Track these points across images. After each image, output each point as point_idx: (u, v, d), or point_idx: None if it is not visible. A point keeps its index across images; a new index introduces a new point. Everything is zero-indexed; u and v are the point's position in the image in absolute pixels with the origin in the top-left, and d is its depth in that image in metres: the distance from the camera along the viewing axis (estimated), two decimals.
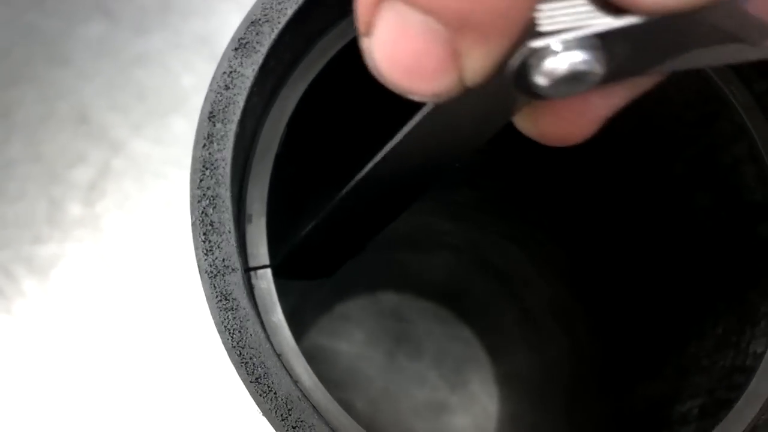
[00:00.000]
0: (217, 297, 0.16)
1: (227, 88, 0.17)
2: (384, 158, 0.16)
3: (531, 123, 0.14)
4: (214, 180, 0.17)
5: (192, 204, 0.17)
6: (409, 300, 0.40)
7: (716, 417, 0.19)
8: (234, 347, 0.16)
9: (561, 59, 0.11)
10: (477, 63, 0.11)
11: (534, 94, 0.12)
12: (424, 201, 0.32)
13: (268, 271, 0.18)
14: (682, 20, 0.11)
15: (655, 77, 0.14)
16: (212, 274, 0.17)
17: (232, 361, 0.16)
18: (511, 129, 0.27)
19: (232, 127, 0.17)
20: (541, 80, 0.12)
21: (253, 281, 0.18)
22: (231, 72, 0.17)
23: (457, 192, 0.31)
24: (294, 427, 0.16)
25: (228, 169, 0.17)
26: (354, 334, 0.40)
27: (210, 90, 0.17)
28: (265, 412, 0.15)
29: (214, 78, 0.18)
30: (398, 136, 0.15)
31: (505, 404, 0.39)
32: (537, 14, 0.11)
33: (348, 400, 0.38)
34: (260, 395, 0.15)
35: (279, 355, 0.17)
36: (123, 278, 0.39)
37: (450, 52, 0.11)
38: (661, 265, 0.25)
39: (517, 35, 0.11)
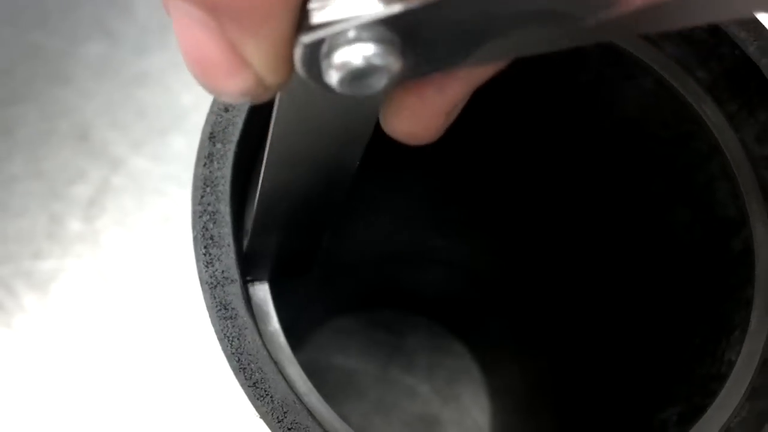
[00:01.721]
0: (217, 307, 0.17)
1: (227, 110, 0.19)
2: (266, 169, 0.16)
3: (381, 120, 0.14)
4: (214, 196, 0.18)
5: (193, 219, 0.18)
6: (402, 314, 0.41)
7: (693, 422, 0.20)
8: (233, 354, 0.17)
9: (350, 52, 0.10)
10: (256, 56, 0.11)
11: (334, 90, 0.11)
12: (415, 217, 0.34)
13: (265, 283, 0.19)
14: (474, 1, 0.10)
15: (489, 67, 0.13)
16: (212, 285, 0.18)
17: (231, 367, 0.17)
18: (498, 147, 0.28)
19: (232, 147, 0.18)
20: (333, 76, 0.11)
21: (251, 292, 0.19)
22: None
23: (446, 208, 0.32)
24: (289, 429, 0.17)
25: (228, 187, 0.18)
26: (347, 348, 0.41)
27: (210, 112, 0.19)
28: (263, 415, 0.16)
29: (214, 100, 0.19)
30: (267, 147, 0.15)
31: (496, 417, 0.40)
32: (310, 5, 0.11)
33: (342, 413, 0.39)
34: (258, 398, 0.17)
35: (275, 362, 0.18)
36: (122, 293, 0.40)
37: (228, 46, 0.11)
38: (641, 278, 0.26)
39: (287, 24, 0.11)
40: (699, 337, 0.23)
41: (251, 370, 0.17)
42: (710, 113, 0.21)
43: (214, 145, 0.18)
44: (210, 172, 0.18)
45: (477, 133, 0.27)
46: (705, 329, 0.23)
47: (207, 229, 0.18)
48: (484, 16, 0.11)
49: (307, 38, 0.11)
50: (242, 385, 0.17)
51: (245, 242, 0.19)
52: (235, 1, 0.10)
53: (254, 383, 0.17)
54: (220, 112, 0.19)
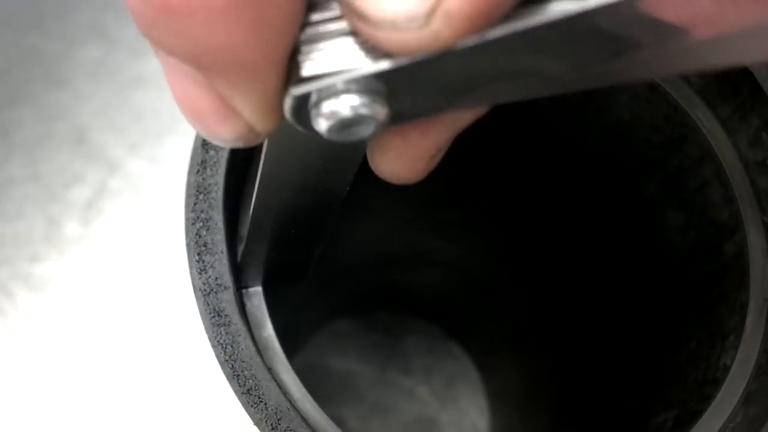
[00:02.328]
0: (210, 314, 0.18)
1: None
2: (257, 192, 0.16)
3: (368, 158, 0.14)
4: (207, 204, 0.18)
5: (186, 226, 0.18)
6: (400, 317, 0.41)
7: (688, 427, 0.20)
8: (226, 361, 0.17)
9: (337, 103, 0.11)
10: (246, 108, 0.11)
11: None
12: (412, 220, 0.34)
13: (260, 289, 0.19)
14: (449, 61, 0.11)
15: (474, 112, 0.14)
16: (206, 292, 0.18)
17: (225, 374, 0.17)
18: (492, 151, 0.28)
19: (225, 154, 0.18)
20: (321, 124, 0.11)
21: (245, 299, 0.19)
22: None
23: (443, 211, 0.32)
24: None
25: (221, 194, 0.18)
26: (345, 351, 0.41)
27: None
28: (256, 422, 0.17)
29: None
30: (258, 174, 0.15)
31: (494, 419, 0.40)
32: (300, 58, 0.11)
33: (339, 416, 0.39)
34: (251, 406, 0.17)
35: (269, 368, 0.18)
36: (119, 296, 0.40)
37: (218, 98, 0.11)
38: (635, 282, 0.26)
39: (274, 78, 0.11)
40: (694, 341, 0.23)
41: (245, 377, 0.17)
42: (703, 118, 0.22)
43: (207, 152, 0.18)
44: (203, 179, 0.18)
45: (472, 137, 0.27)
46: (700, 333, 0.23)
47: (200, 236, 0.18)
48: (469, 72, 0.11)
49: (296, 90, 0.11)
50: (236, 393, 0.17)
51: (239, 249, 0.19)
52: (222, 59, 0.11)
53: (248, 390, 0.17)
54: None
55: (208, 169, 0.18)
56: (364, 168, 0.27)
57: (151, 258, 0.41)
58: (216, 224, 0.18)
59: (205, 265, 0.18)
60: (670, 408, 0.23)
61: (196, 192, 0.18)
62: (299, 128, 0.12)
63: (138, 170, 0.43)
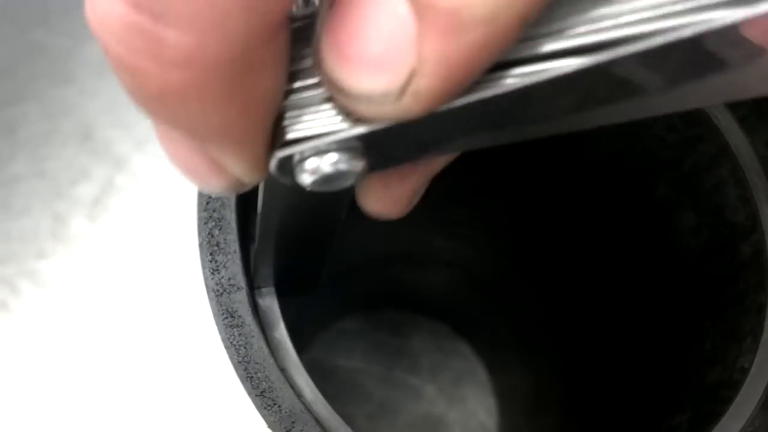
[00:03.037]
0: (223, 314, 0.17)
1: None
2: (259, 223, 0.17)
3: (357, 199, 0.16)
4: (219, 203, 0.18)
5: (199, 225, 0.18)
6: (407, 316, 0.41)
7: (704, 430, 0.20)
8: (240, 362, 0.17)
9: (318, 161, 0.12)
10: (235, 167, 0.12)
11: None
12: (419, 219, 0.33)
13: (272, 289, 0.19)
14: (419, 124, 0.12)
15: (446, 157, 0.15)
16: (218, 293, 0.17)
17: (238, 376, 0.17)
18: (501, 150, 0.28)
19: None
20: (305, 179, 0.12)
21: (258, 299, 0.19)
22: None
23: (451, 210, 0.32)
24: None
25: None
26: (352, 349, 0.41)
27: None
28: (270, 424, 0.16)
29: None
30: (259, 208, 0.16)
31: (502, 418, 0.39)
32: (284, 123, 0.12)
33: (346, 415, 0.39)
34: (265, 408, 0.16)
35: (282, 370, 0.17)
36: (126, 293, 0.40)
37: (208, 159, 0.12)
38: (647, 283, 0.26)
39: (260, 143, 0.12)
40: (709, 343, 0.23)
41: (258, 379, 0.17)
42: (720, 116, 0.21)
43: None
44: None
45: None
46: (715, 335, 0.22)
47: (212, 236, 0.18)
48: (438, 131, 0.12)
49: (281, 153, 0.12)
50: (249, 395, 0.17)
51: (252, 250, 0.19)
52: (212, 132, 0.11)
53: (261, 392, 0.17)
54: None
55: None
56: None
57: (158, 255, 0.41)
58: (229, 223, 0.18)
59: (217, 265, 0.17)
60: (683, 411, 0.23)
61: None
62: (284, 182, 0.13)
63: (144, 167, 0.43)
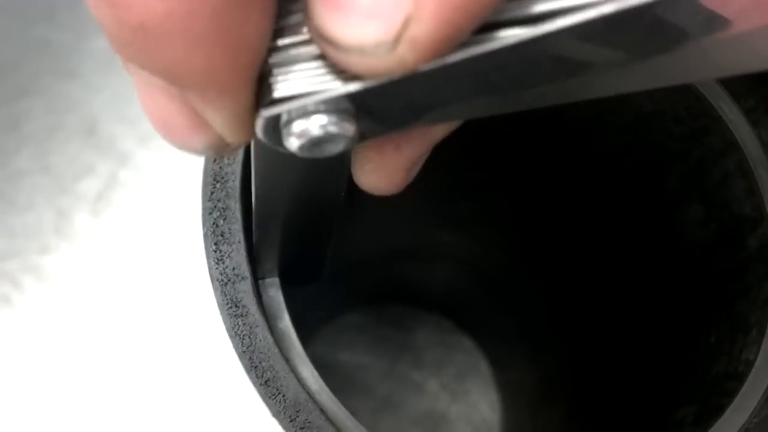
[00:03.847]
0: (228, 304, 0.17)
1: None
2: (255, 207, 0.17)
3: (352, 173, 0.15)
4: (224, 192, 0.18)
5: (204, 215, 0.18)
6: (411, 310, 0.41)
7: (710, 423, 0.20)
8: (244, 352, 0.17)
9: (306, 122, 0.11)
10: (217, 121, 0.12)
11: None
12: (423, 213, 0.33)
13: (276, 279, 0.19)
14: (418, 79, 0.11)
15: (445, 127, 0.14)
16: (223, 282, 0.17)
17: (242, 365, 0.17)
18: (507, 143, 0.28)
19: None
20: (292, 142, 0.11)
21: (262, 289, 0.19)
22: None
23: (456, 205, 0.32)
24: (302, 428, 0.16)
25: (238, 183, 0.18)
26: (356, 344, 0.41)
27: None
28: (275, 414, 0.16)
29: None
30: (253, 190, 0.16)
31: (506, 414, 0.39)
32: (271, 80, 0.11)
33: (350, 409, 0.39)
34: (270, 397, 0.16)
35: (287, 360, 0.17)
36: (130, 288, 0.40)
37: (189, 111, 0.12)
38: (654, 276, 0.26)
39: (245, 96, 0.11)
40: (714, 335, 0.23)
41: (263, 368, 0.17)
42: (727, 109, 0.21)
43: None
44: (220, 167, 0.18)
45: (485, 128, 0.27)
46: (720, 328, 0.22)
47: (217, 226, 0.18)
48: (433, 92, 0.12)
49: (267, 112, 0.11)
50: (254, 384, 0.17)
51: (255, 241, 0.19)
52: (198, 78, 0.11)
53: (266, 382, 0.17)
54: None
55: (225, 158, 0.18)
56: None
57: (161, 249, 0.41)
58: (233, 213, 0.18)
59: (222, 255, 0.17)
60: (689, 403, 0.23)
61: (213, 181, 0.18)
62: (271, 146, 0.12)
63: (148, 162, 0.43)
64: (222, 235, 0.18)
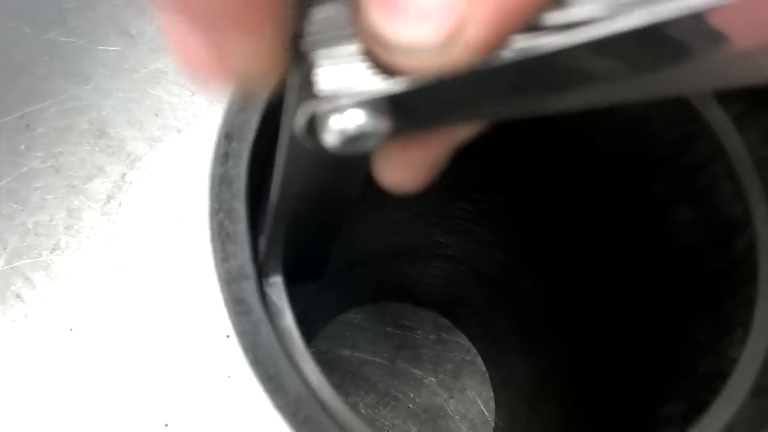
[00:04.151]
0: (232, 302, 0.17)
1: (243, 109, 0.19)
2: (278, 201, 0.17)
3: (374, 169, 0.15)
4: (230, 194, 0.18)
5: (210, 216, 0.18)
6: (410, 308, 0.41)
7: (698, 418, 0.20)
8: (248, 348, 0.17)
9: (344, 119, 0.11)
10: (242, 59, 0.11)
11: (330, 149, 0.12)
12: (423, 214, 0.34)
13: (280, 278, 0.19)
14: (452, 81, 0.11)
15: (471, 127, 0.14)
16: (228, 281, 0.18)
17: (247, 361, 0.17)
18: (504, 147, 0.28)
19: (247, 146, 0.18)
20: (329, 138, 0.11)
21: (266, 288, 0.19)
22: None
23: (454, 206, 0.32)
24: (304, 423, 0.17)
25: (243, 185, 0.18)
26: (356, 341, 0.41)
27: (227, 112, 0.19)
28: (278, 408, 0.16)
29: (230, 101, 0.19)
30: (278, 188, 0.16)
31: (501, 409, 0.39)
32: (313, 75, 0.11)
33: (350, 403, 0.39)
34: (273, 392, 0.16)
35: (289, 356, 0.18)
36: (138, 287, 0.40)
37: (215, 48, 0.11)
38: (644, 277, 0.26)
39: (273, 34, 0.11)
40: (702, 334, 0.23)
41: (266, 364, 0.17)
42: (715, 115, 0.21)
43: (230, 144, 0.18)
44: (226, 170, 0.18)
45: (483, 132, 0.27)
46: (708, 327, 0.23)
47: (223, 226, 0.18)
48: (471, 92, 0.12)
49: (308, 106, 0.11)
50: (258, 379, 0.17)
51: (261, 241, 0.19)
52: (221, 14, 0.11)
53: (269, 377, 0.17)
54: (236, 112, 0.18)
55: (231, 161, 0.18)
56: None
57: (169, 249, 0.41)
58: (238, 214, 0.18)
59: (227, 255, 0.18)
60: (679, 399, 0.23)
61: (219, 183, 0.18)
62: (306, 142, 0.12)
63: (157, 164, 0.43)
64: (227, 235, 0.18)
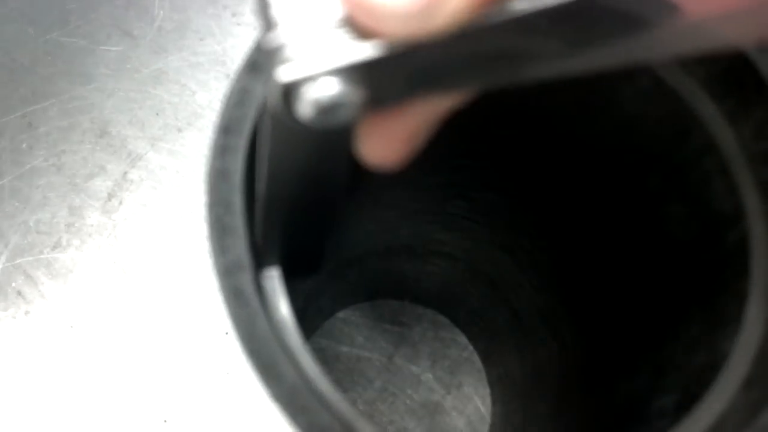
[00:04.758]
0: (229, 294, 0.17)
1: (240, 104, 0.19)
2: (266, 187, 0.16)
3: (355, 147, 0.15)
4: (227, 187, 0.18)
5: (207, 209, 0.18)
6: (407, 306, 0.41)
7: (690, 411, 0.20)
8: (245, 339, 0.17)
9: (317, 88, 0.11)
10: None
11: (307, 122, 0.12)
12: (420, 211, 0.34)
13: (277, 271, 0.19)
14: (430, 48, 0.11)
15: (450, 98, 0.14)
16: (225, 274, 0.17)
17: (243, 350, 0.17)
18: (499, 144, 0.28)
19: (245, 140, 0.18)
20: (305, 108, 0.11)
21: (262, 281, 0.19)
22: (244, 89, 0.19)
23: (450, 203, 0.32)
24: (299, 412, 0.16)
25: (241, 178, 0.18)
26: (354, 338, 0.41)
27: (224, 106, 0.18)
28: (274, 398, 0.16)
29: (228, 95, 0.19)
30: (264, 173, 0.16)
31: (498, 405, 0.39)
32: (288, 46, 0.11)
33: (349, 399, 0.39)
34: (269, 382, 0.16)
35: (285, 347, 0.18)
36: (138, 284, 0.40)
37: None
38: (638, 272, 0.26)
39: None
40: (695, 328, 0.23)
41: (262, 355, 0.17)
42: (707, 111, 0.21)
43: (228, 138, 0.18)
44: (223, 164, 0.18)
45: (478, 129, 0.27)
46: (701, 320, 0.22)
47: (220, 219, 0.18)
48: (446, 58, 0.12)
49: (284, 76, 0.11)
50: (254, 369, 0.17)
51: (255, 232, 0.19)
52: None
53: (265, 367, 0.17)
54: (234, 106, 0.18)
55: (229, 154, 0.18)
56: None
57: (169, 247, 0.41)
58: (236, 208, 0.18)
59: (224, 247, 0.18)
60: (671, 392, 0.23)
61: (216, 176, 0.18)
62: (282, 116, 0.12)
63: (158, 163, 0.43)
64: (225, 228, 0.18)
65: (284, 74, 0.11)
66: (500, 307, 0.37)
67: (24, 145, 0.42)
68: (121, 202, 0.42)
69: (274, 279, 0.19)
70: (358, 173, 0.17)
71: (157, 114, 0.43)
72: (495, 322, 0.38)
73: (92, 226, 0.41)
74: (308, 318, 0.40)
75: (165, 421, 0.38)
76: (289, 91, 0.11)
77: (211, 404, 0.38)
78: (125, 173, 0.42)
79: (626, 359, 0.27)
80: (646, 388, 0.25)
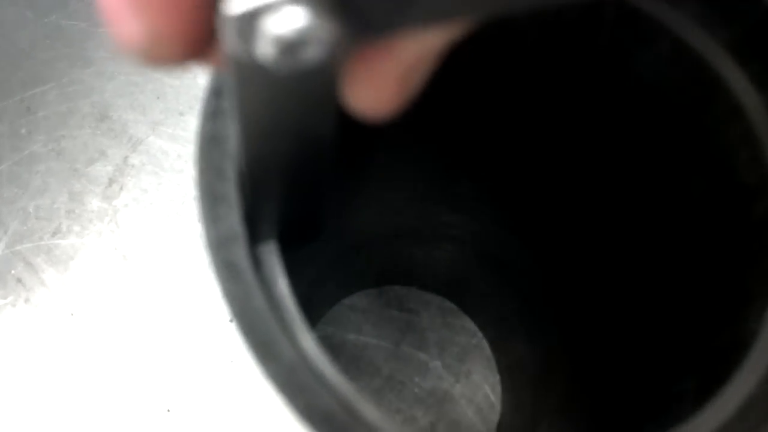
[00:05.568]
0: (222, 267, 0.16)
1: None
2: (243, 148, 0.15)
3: (344, 98, 0.13)
4: (219, 153, 0.17)
5: (198, 176, 0.17)
6: (414, 292, 0.40)
7: (713, 393, 0.19)
8: (239, 314, 0.16)
9: (280, 20, 0.09)
10: (146, 17, 0.11)
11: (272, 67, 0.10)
12: (427, 194, 0.32)
13: (274, 244, 0.18)
14: None
15: (442, 31, 0.12)
16: (217, 245, 0.16)
17: (237, 328, 0.15)
18: (509, 121, 0.26)
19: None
20: (267, 47, 0.09)
21: (259, 254, 0.18)
22: None
23: (458, 184, 0.31)
24: (297, 393, 0.15)
25: (233, 143, 0.17)
26: (361, 325, 0.39)
27: (217, 67, 0.17)
28: (269, 377, 0.15)
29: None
30: (238, 130, 0.14)
31: (507, 393, 0.38)
32: None
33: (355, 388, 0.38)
34: (265, 359, 0.15)
35: (283, 323, 0.16)
36: (140, 271, 0.39)
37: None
38: (658, 248, 0.24)
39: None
40: (719, 305, 0.21)
41: (257, 331, 0.16)
42: (731, 75, 0.20)
43: (220, 101, 0.17)
44: (215, 128, 0.17)
45: (489, 105, 0.26)
46: (725, 298, 0.21)
47: (211, 186, 0.16)
48: None
49: (236, 8, 0.09)
50: (249, 346, 0.15)
51: (249, 198, 0.18)
52: None
53: (261, 344, 0.15)
54: None
55: (221, 119, 0.17)
56: (379, 143, 0.25)
57: (171, 233, 0.40)
58: (228, 174, 0.16)
59: (216, 217, 0.16)
60: (692, 374, 0.21)
61: (208, 141, 0.17)
62: (242, 58, 0.10)
63: (159, 147, 0.42)
64: (216, 196, 0.16)
65: (237, 3, 0.09)
66: (509, 293, 0.36)
67: (23, 130, 0.41)
68: (122, 188, 0.41)
69: (270, 252, 0.18)
70: (353, 130, 0.15)
71: (158, 98, 0.42)
72: (504, 308, 0.37)
73: (93, 211, 0.40)
74: (314, 305, 0.38)
75: (168, 410, 0.37)
76: (245, 26, 0.09)
77: (215, 393, 0.37)
78: (126, 158, 0.41)
79: (643, 341, 0.26)
80: (665, 372, 0.23)
